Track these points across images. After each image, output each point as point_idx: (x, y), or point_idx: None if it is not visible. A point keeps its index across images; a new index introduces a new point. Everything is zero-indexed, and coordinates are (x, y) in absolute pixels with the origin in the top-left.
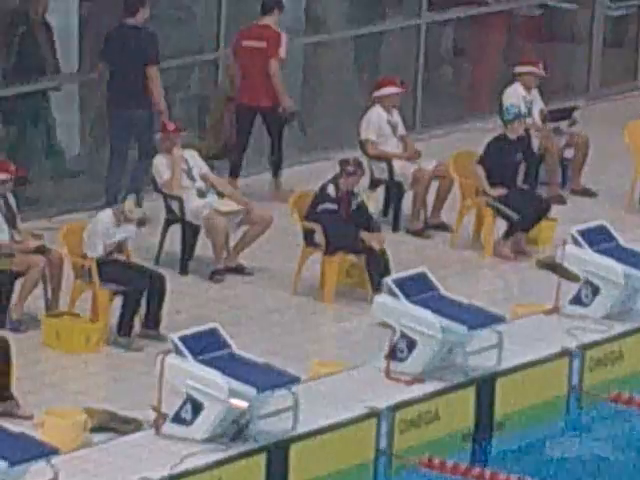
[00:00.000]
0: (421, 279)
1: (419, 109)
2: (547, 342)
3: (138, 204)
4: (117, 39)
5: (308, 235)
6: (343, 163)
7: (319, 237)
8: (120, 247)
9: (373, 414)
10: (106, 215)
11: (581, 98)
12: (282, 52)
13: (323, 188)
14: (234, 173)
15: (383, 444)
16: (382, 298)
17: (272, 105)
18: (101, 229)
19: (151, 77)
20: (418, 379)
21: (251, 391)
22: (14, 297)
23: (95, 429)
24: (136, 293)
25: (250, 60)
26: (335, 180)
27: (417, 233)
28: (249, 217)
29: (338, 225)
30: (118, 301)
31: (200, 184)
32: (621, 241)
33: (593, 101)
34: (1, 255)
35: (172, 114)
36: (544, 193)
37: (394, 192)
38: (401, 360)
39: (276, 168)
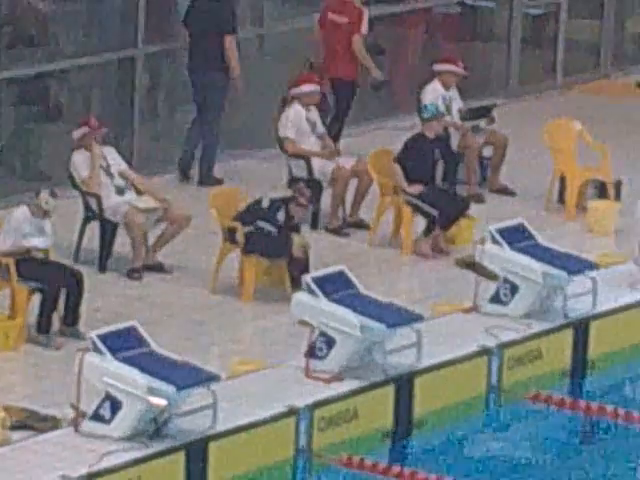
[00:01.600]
0: (340, 277)
1: None
2: (466, 341)
3: (53, 194)
4: (198, 8)
5: (230, 233)
6: (297, 193)
7: (240, 236)
8: None
9: (292, 412)
10: (21, 212)
11: (500, 96)
12: (364, 28)
13: (273, 208)
14: (335, 139)
15: (302, 442)
16: (301, 296)
17: (348, 78)
18: (14, 226)
19: (228, 46)
20: (337, 377)
21: (170, 389)
22: None
23: (13, 427)
24: (54, 290)
25: (331, 33)
26: (286, 205)
27: (336, 231)
28: (167, 214)
29: (273, 248)
30: (36, 298)
31: (118, 181)
32: (540, 240)
33: (512, 99)
34: None
35: (91, 110)
36: (463, 192)
37: (313, 190)
38: (320, 358)
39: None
